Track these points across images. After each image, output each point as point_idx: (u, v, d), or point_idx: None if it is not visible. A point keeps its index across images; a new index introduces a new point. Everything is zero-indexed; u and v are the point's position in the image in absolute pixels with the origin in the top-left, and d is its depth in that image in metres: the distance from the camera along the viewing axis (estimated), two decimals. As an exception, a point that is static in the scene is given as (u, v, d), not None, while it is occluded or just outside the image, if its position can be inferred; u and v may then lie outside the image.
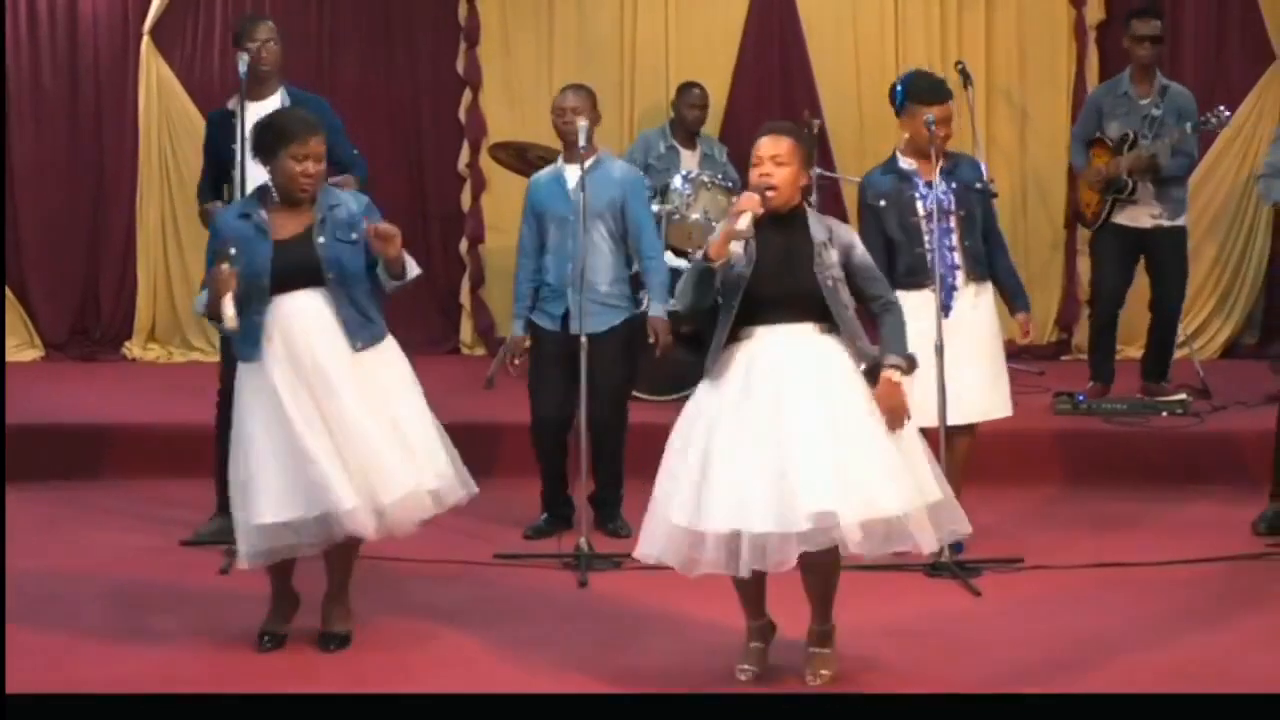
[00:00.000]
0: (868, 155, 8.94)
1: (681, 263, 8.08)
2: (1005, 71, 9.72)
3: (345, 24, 9.84)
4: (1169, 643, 5.24)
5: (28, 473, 7.13)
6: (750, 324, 4.77)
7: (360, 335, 5.12)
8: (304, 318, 5.07)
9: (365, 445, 5.02)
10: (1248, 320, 9.64)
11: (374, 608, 5.51)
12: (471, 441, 7.50)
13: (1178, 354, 8.41)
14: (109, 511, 6.91)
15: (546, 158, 7.64)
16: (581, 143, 6.27)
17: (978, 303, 6.19)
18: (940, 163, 6.12)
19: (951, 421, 6.03)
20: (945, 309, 6.06)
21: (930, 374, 5.95)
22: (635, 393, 7.79)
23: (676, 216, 8.28)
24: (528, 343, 6.68)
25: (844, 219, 8.92)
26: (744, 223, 4.66)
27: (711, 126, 9.38)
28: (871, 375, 4.78)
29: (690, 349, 7.53)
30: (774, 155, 4.78)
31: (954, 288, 6.12)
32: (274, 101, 6.46)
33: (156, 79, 9.64)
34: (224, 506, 5.73)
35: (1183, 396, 7.88)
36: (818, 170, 8.76)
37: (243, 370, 5.14)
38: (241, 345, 5.11)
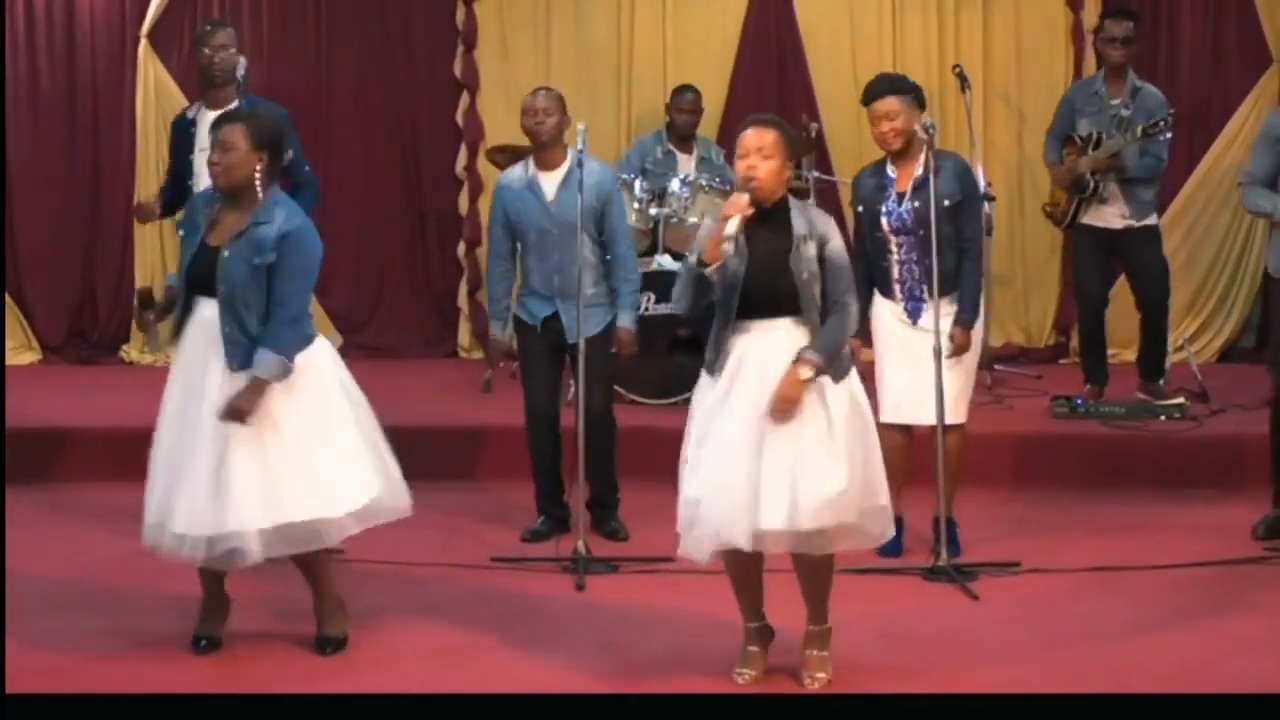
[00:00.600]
0: (865, 159, 8.82)
1: (679, 266, 8.09)
2: (1002, 75, 9.72)
3: (342, 27, 9.83)
4: (1166, 646, 5.24)
5: (26, 475, 7.13)
6: (745, 318, 4.80)
7: (235, 356, 5.00)
8: (203, 326, 5.07)
9: (196, 470, 4.98)
10: (1245, 323, 9.64)
11: (372, 611, 5.50)
12: (468, 445, 7.60)
13: (1175, 357, 8.41)
14: (107, 515, 6.89)
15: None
16: (580, 145, 6.25)
17: (946, 313, 6.09)
18: (919, 170, 6.06)
19: (895, 420, 6.07)
20: (912, 318, 6.11)
21: (905, 377, 6.07)
22: (634, 397, 7.82)
23: (674, 220, 8.28)
24: (513, 343, 6.67)
25: (841, 222, 8.94)
26: (732, 227, 4.66)
27: (709, 130, 9.38)
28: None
29: (688, 352, 7.56)
30: (759, 148, 4.80)
31: (922, 300, 6.09)
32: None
33: (154, 82, 9.63)
34: None
35: (1180, 400, 7.88)
36: (815, 174, 8.78)
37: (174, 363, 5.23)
38: (173, 339, 5.20)
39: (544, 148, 6.44)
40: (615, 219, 6.48)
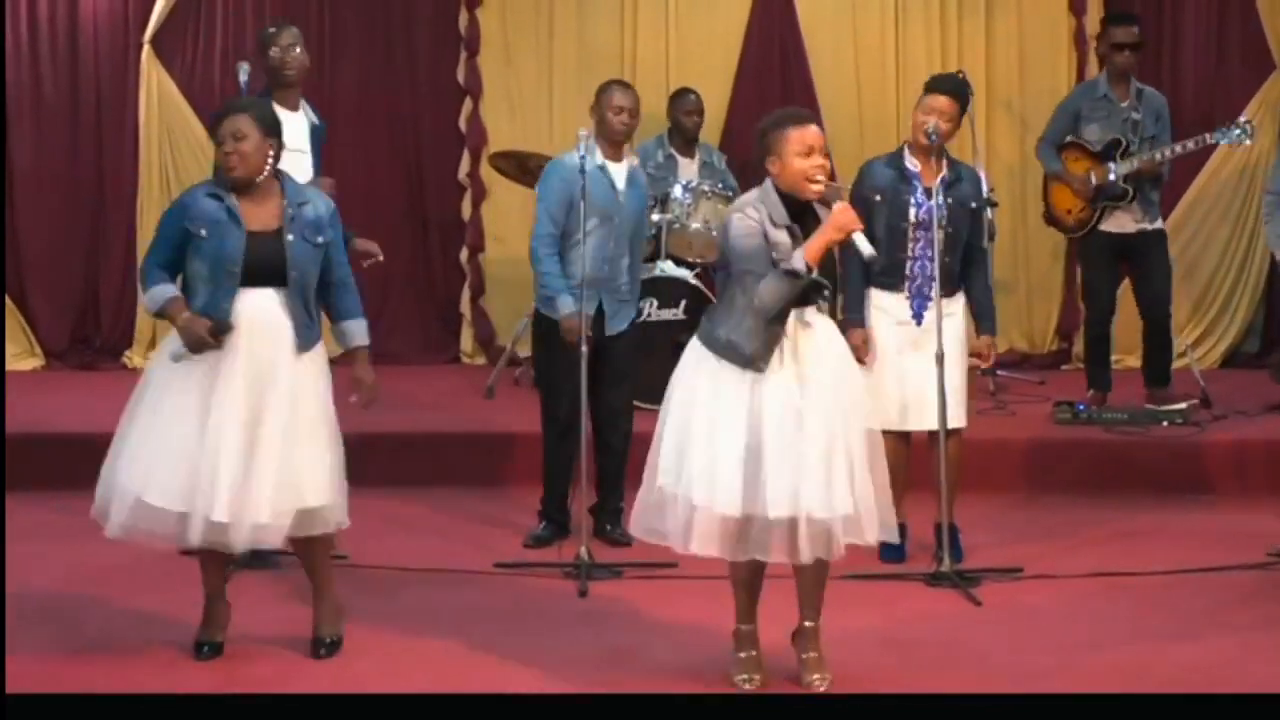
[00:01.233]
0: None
1: (681, 272, 8.10)
2: (1005, 81, 9.73)
3: (346, 33, 9.84)
4: (1169, 652, 5.23)
5: (27, 482, 7.12)
6: (800, 307, 4.79)
7: (306, 338, 5.10)
8: (260, 315, 5.05)
9: (273, 455, 4.97)
10: (1248, 329, 9.64)
11: (372, 615, 5.50)
12: (472, 451, 7.60)
13: (1178, 363, 8.41)
14: (109, 520, 6.90)
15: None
16: (582, 150, 6.24)
17: (949, 314, 6.15)
18: (942, 171, 6.12)
19: (904, 427, 6.08)
20: (917, 317, 6.11)
21: (890, 378, 6.08)
22: (634, 402, 7.82)
23: (677, 226, 8.28)
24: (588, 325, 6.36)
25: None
26: (868, 248, 4.74)
27: (711, 135, 9.38)
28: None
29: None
30: (821, 146, 4.79)
31: (928, 297, 6.10)
32: (299, 116, 6.48)
33: (157, 88, 9.64)
34: None
35: (1183, 406, 7.88)
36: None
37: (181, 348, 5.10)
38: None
39: (617, 145, 6.52)
40: (646, 226, 6.72)
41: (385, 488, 6.76)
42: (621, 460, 6.57)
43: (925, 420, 6.09)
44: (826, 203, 4.76)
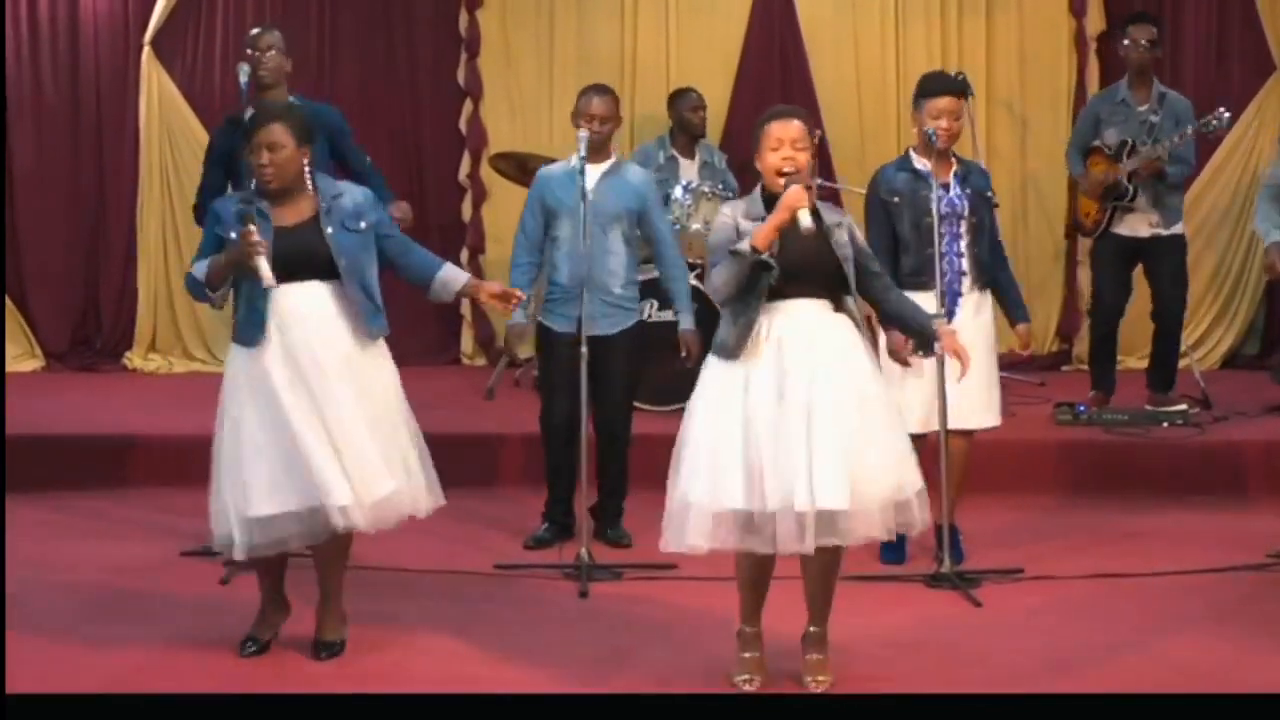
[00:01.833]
0: (868, 165, 8.92)
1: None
2: (1006, 82, 9.73)
3: (346, 34, 9.85)
4: (1169, 653, 5.23)
5: (28, 483, 7.13)
6: (775, 299, 4.81)
7: (375, 321, 5.16)
8: (305, 309, 5.06)
9: (357, 441, 5.01)
10: (1248, 330, 9.64)
11: (373, 617, 5.49)
12: (472, 452, 7.59)
13: (1179, 364, 8.39)
14: (109, 521, 6.91)
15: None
16: (581, 152, 6.27)
17: (979, 310, 6.19)
18: (954, 166, 6.14)
19: (928, 429, 6.07)
20: (949, 314, 6.06)
21: (925, 379, 6.00)
22: (637, 403, 7.81)
23: (677, 227, 8.27)
24: (532, 326, 6.62)
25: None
26: (807, 219, 4.72)
27: (712, 135, 9.37)
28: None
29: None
30: (794, 139, 4.84)
31: (959, 293, 6.11)
32: None
33: (157, 90, 9.65)
34: None
35: (1184, 407, 7.88)
36: (819, 180, 8.76)
37: (238, 355, 5.09)
38: (244, 329, 5.08)
39: (599, 151, 6.48)
40: (659, 221, 6.58)
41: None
42: (618, 464, 6.58)
43: (955, 419, 6.06)
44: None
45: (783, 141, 4.85)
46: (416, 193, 9.93)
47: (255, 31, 6.74)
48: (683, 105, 8.94)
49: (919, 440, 6.09)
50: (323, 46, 9.81)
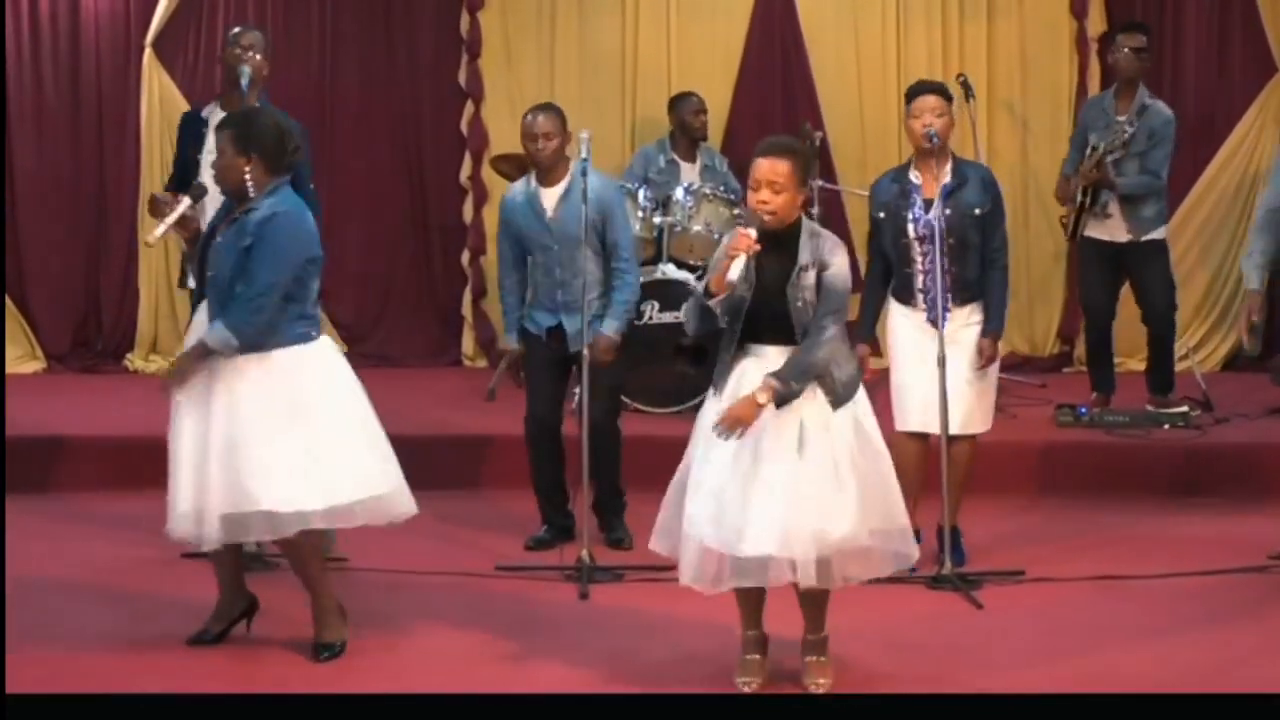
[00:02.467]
0: (869, 167, 8.96)
1: (683, 275, 8.10)
2: (1007, 83, 9.72)
3: (347, 36, 9.84)
4: (1170, 655, 5.23)
5: (28, 484, 7.13)
6: (748, 341, 4.83)
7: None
8: (197, 328, 5.17)
9: (216, 457, 5.11)
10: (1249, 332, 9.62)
11: (373, 617, 5.50)
12: (474, 453, 7.60)
13: (1180, 366, 8.39)
14: (109, 521, 6.90)
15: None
16: (584, 153, 6.24)
17: (970, 321, 6.15)
18: (946, 178, 6.09)
19: (918, 429, 6.08)
20: (936, 326, 6.05)
21: (926, 384, 6.01)
22: (636, 405, 7.82)
23: (678, 229, 8.28)
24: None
25: (845, 231, 8.96)
26: (737, 269, 4.65)
27: (713, 138, 9.37)
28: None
29: (692, 361, 7.55)
30: (772, 181, 4.74)
31: (945, 309, 6.06)
32: None
33: (158, 91, 9.64)
34: None
35: (1185, 409, 7.88)
36: (820, 182, 8.75)
37: None
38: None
39: (545, 169, 6.44)
40: (616, 232, 6.44)
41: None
42: (611, 468, 6.58)
43: (951, 423, 6.04)
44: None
45: (760, 183, 4.76)
46: (417, 194, 9.96)
47: (237, 30, 6.74)
48: (684, 109, 8.94)
49: (920, 441, 6.12)
50: (323, 47, 9.80)
